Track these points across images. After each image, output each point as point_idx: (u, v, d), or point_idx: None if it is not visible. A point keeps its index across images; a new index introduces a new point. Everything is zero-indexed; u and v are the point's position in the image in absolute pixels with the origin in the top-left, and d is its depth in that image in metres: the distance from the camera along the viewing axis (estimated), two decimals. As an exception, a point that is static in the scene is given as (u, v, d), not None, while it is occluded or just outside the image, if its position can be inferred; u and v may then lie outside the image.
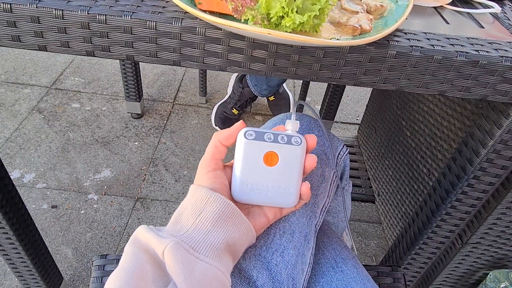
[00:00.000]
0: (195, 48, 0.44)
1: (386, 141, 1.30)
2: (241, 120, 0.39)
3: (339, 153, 0.52)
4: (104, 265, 0.55)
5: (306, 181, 0.39)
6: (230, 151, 0.41)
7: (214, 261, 0.32)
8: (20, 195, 0.73)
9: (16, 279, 0.90)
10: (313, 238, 0.44)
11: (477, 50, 0.45)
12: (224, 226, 0.35)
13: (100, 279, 0.54)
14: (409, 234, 0.74)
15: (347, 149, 0.54)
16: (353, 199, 1.38)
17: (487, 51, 0.45)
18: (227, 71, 0.46)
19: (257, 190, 0.38)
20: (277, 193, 0.38)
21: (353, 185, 1.40)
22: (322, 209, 0.46)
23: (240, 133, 0.38)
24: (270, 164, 0.38)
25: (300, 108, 1.66)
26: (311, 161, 0.38)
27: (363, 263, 1.17)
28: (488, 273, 0.88)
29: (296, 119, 0.52)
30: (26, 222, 0.75)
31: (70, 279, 1.04)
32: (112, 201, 1.24)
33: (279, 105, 1.63)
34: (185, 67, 0.46)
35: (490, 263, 0.87)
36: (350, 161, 1.49)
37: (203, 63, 0.45)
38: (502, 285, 0.85)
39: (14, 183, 1.24)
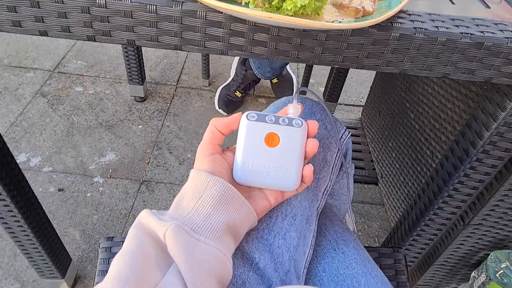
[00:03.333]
0: (196, 32, 0.43)
1: (390, 123, 1.29)
2: (240, 112, 0.39)
3: (341, 137, 0.52)
4: (110, 247, 0.57)
5: (310, 164, 0.39)
6: (229, 138, 0.41)
7: (215, 243, 0.33)
8: (27, 178, 0.74)
9: (26, 260, 0.93)
10: (315, 221, 0.45)
11: (482, 32, 0.44)
12: (224, 208, 0.35)
13: (107, 261, 0.55)
14: (411, 216, 0.75)
15: (349, 132, 0.54)
16: (356, 181, 1.38)
17: (492, 32, 0.44)
18: (228, 55, 0.46)
19: (259, 171, 0.38)
20: (278, 175, 0.38)
21: (357, 167, 1.40)
22: (324, 192, 0.47)
23: (243, 115, 0.39)
24: (271, 145, 0.38)
25: (304, 91, 1.65)
26: (313, 145, 0.38)
27: (365, 245, 1.18)
28: (489, 254, 0.89)
29: (298, 102, 0.52)
30: (33, 205, 0.77)
31: (78, 260, 1.06)
32: (117, 184, 1.26)
33: (282, 87, 1.62)
34: (186, 51, 0.46)
35: (492, 244, 0.88)
36: (354, 143, 1.49)
37: (204, 47, 0.45)
38: (502, 265, 0.86)
39: (21, 167, 1.26)
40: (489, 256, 0.89)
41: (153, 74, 1.71)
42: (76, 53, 1.77)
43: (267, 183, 0.39)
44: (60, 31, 0.44)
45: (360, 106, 1.70)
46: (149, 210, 0.35)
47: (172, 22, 0.42)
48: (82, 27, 0.43)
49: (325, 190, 0.47)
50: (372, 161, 1.43)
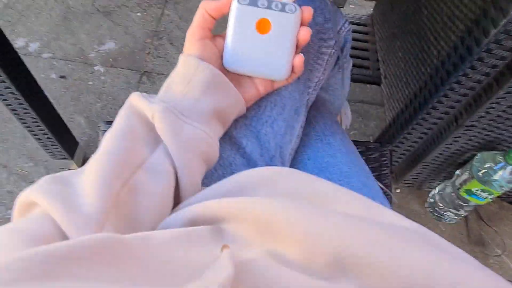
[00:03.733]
0: None
1: (401, 20, 1.22)
2: None
3: (340, 29, 0.50)
4: (110, 130, 0.59)
5: (301, 54, 0.38)
6: (220, 25, 0.40)
7: (202, 126, 0.35)
8: (27, 64, 0.74)
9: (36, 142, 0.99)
10: (304, 112, 0.46)
11: None
12: (212, 94, 0.36)
13: (108, 142, 0.59)
14: (405, 114, 0.76)
15: (349, 25, 0.51)
16: (358, 81, 1.37)
17: None
18: None
19: (248, 58, 0.37)
20: (268, 63, 0.38)
21: (361, 67, 1.37)
22: (316, 85, 0.47)
23: None
24: (262, 32, 0.37)
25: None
26: (305, 33, 0.36)
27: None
28: (475, 154, 0.93)
29: None
30: (34, 88, 0.78)
31: (85, 144, 1.12)
32: (118, 74, 1.25)
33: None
34: None
35: (481, 145, 0.90)
36: (361, 41, 1.43)
37: None
38: (486, 165, 0.90)
39: (20, 52, 1.24)
40: (476, 156, 0.93)
41: (150, -46, 1.56)
42: None
43: (256, 70, 0.38)
44: None
45: (373, 0, 1.59)
46: (139, 92, 0.36)
47: None
48: None
49: (317, 82, 0.47)
50: (377, 61, 1.40)
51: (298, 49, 0.38)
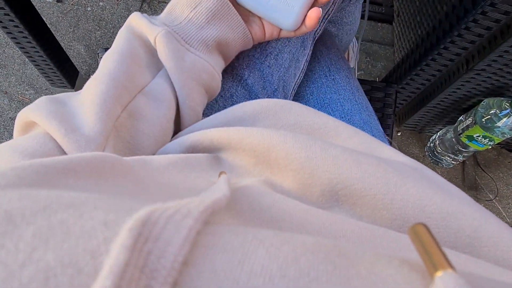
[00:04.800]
0: None
1: (422, -49, 1.12)
2: None
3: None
4: (109, 57, 0.58)
5: (319, 8, 0.35)
6: None
7: (204, 55, 0.33)
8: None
9: (36, 69, 0.97)
10: (310, 46, 0.44)
11: None
12: (218, 23, 0.34)
13: (107, 70, 0.57)
14: (415, 54, 0.73)
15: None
16: (370, 18, 1.30)
17: None
18: None
19: None
20: (280, 8, 0.35)
21: (374, 3, 1.30)
22: (324, 16, 0.44)
23: None
24: None
25: None
26: None
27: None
28: (482, 100, 0.91)
29: None
30: (31, 13, 0.75)
31: (85, 73, 1.10)
32: (118, 0, 1.19)
33: None
34: None
35: (489, 90, 0.89)
36: (377, -26, 1.34)
37: None
38: (491, 111, 0.89)
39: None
40: (482, 102, 0.91)
41: None
42: None
43: (267, 12, 0.36)
44: None
45: None
46: (140, 13, 0.34)
47: None
48: None
49: (326, 14, 0.44)
50: (392, -4, 1.32)
51: (317, 3, 0.35)
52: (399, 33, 1.24)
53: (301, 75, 0.45)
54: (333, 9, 0.45)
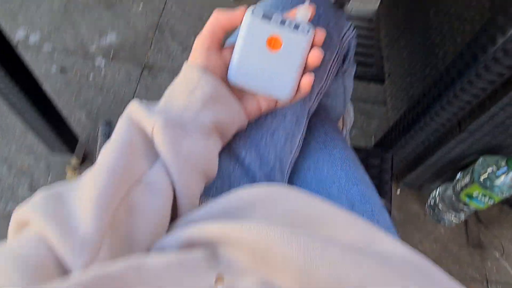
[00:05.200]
0: None
1: (407, 18, 1.20)
2: (246, 6, 0.36)
3: (344, 34, 0.48)
4: (109, 132, 0.59)
5: (312, 73, 0.37)
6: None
7: (202, 140, 0.34)
8: (28, 57, 0.73)
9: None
10: (305, 121, 0.45)
11: None
12: (214, 107, 0.35)
13: (106, 144, 0.58)
14: (408, 118, 0.75)
15: (354, 30, 0.50)
16: (362, 78, 1.35)
17: None
18: None
19: (254, 74, 0.36)
20: (273, 82, 0.36)
21: (365, 64, 1.36)
22: (318, 93, 0.46)
23: (248, 10, 0.36)
24: (272, 48, 0.36)
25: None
26: (316, 56, 0.35)
27: (361, 143, 1.22)
28: (478, 158, 0.92)
29: (311, 4, 0.47)
30: (33, 83, 0.77)
31: (85, 139, 1.12)
32: (119, 68, 1.24)
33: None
34: None
35: (484, 149, 0.90)
36: (366, 37, 1.41)
37: None
38: (489, 170, 0.89)
39: (20, 45, 1.24)
40: (478, 161, 0.92)
41: None
42: None
43: (261, 88, 0.37)
44: None
45: (379, -4, 1.56)
46: (139, 101, 0.35)
47: None
48: None
49: (319, 91, 0.46)
50: (382, 58, 1.38)
51: (307, 70, 0.37)
52: (391, 93, 1.29)
53: (297, 150, 0.45)
54: (326, 86, 0.47)
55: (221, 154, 0.40)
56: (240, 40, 0.36)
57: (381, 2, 1.45)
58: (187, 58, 0.38)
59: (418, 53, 1.09)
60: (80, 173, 1.07)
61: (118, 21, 1.33)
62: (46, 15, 1.31)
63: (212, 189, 0.39)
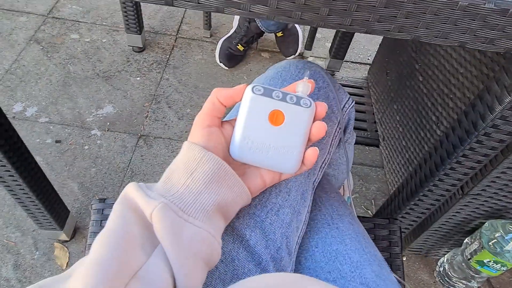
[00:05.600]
0: (188, -14, 0.39)
1: (396, 84, 1.24)
2: (245, 84, 0.36)
3: (343, 106, 0.49)
4: (103, 209, 0.56)
5: (315, 147, 0.36)
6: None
7: (204, 224, 0.31)
8: (23, 129, 0.72)
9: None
10: (310, 196, 0.43)
11: (509, -4, 0.39)
12: (216, 187, 0.33)
13: (99, 223, 0.55)
14: (410, 186, 0.73)
15: (353, 101, 0.51)
16: (357, 143, 1.36)
17: (520, -2, 0.39)
18: (225, 13, 0.42)
19: (258, 149, 0.36)
20: (278, 156, 0.36)
21: (359, 128, 1.38)
22: (321, 166, 0.45)
23: (248, 87, 0.36)
24: (274, 123, 0.35)
25: (309, 44, 1.58)
26: (319, 128, 0.35)
27: (362, 207, 1.19)
28: (484, 222, 0.89)
29: (298, 67, 0.48)
30: (23, 155, 0.75)
31: (77, 212, 1.07)
32: (115, 138, 1.24)
33: (287, 42, 1.55)
34: (178, 7, 0.42)
35: (488, 213, 0.87)
36: (358, 103, 1.45)
37: (198, 3, 0.41)
38: (497, 234, 0.86)
39: (17, 117, 1.24)
40: (484, 225, 0.89)
41: (152, 22, 1.63)
42: (71, -4, 1.68)
43: (265, 163, 0.36)
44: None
45: (367, 64, 1.64)
46: (136, 183, 0.33)
47: (162, -26, 0.38)
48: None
49: (323, 163, 0.45)
50: (375, 122, 1.41)
51: (310, 142, 0.36)
52: (387, 156, 1.29)
53: (303, 227, 0.43)
54: (329, 159, 0.46)
55: (224, 235, 0.37)
56: (242, 116, 0.36)
57: (370, 69, 1.51)
58: (183, 127, 0.37)
59: (412, 116, 1.11)
60: (68, 250, 1.01)
61: (116, 93, 1.36)
62: (44, 89, 1.33)
63: (215, 275, 0.36)
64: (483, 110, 0.54)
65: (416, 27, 0.41)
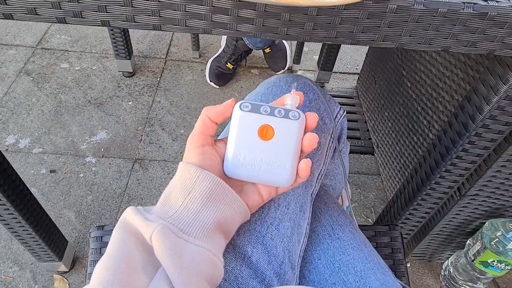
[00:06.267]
0: (175, 10, 0.40)
1: (386, 91, 1.26)
2: (233, 98, 0.36)
3: (335, 117, 0.49)
4: (101, 236, 0.55)
5: (308, 158, 0.36)
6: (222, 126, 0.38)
7: (204, 243, 0.31)
8: (17, 161, 0.71)
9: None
10: (309, 208, 0.43)
11: (486, 0, 0.40)
12: (214, 205, 0.33)
13: (99, 250, 0.54)
14: (407, 191, 0.74)
15: (344, 111, 0.51)
16: (352, 151, 1.37)
17: (497, 1, 0.41)
18: (212, 34, 0.43)
19: (251, 165, 0.36)
20: (271, 170, 0.36)
21: (352, 137, 1.39)
22: (318, 177, 0.45)
23: (236, 105, 0.36)
24: (265, 138, 0.35)
25: (297, 58, 1.60)
26: (311, 140, 0.35)
27: (362, 215, 1.19)
28: (485, 222, 0.90)
29: (288, 81, 0.49)
30: (19, 188, 0.74)
31: (75, 241, 1.06)
32: (110, 163, 1.24)
33: (275, 57, 1.57)
34: (166, 31, 0.43)
35: (487, 213, 0.88)
36: (349, 112, 1.46)
37: (185, 26, 0.41)
38: (498, 233, 0.86)
39: (10, 149, 1.23)
40: (485, 225, 0.89)
41: (140, 47, 1.65)
42: (59, 27, 1.69)
43: (260, 178, 0.36)
44: (26, 14, 0.40)
45: (356, 74, 1.66)
46: (134, 207, 0.33)
47: (148, 0, 0.39)
48: (50, 8, 0.39)
49: (319, 174, 0.45)
50: (368, 130, 1.42)
51: (303, 154, 0.36)
52: (383, 163, 1.30)
53: (304, 239, 0.43)
54: (325, 169, 0.46)
55: (225, 253, 0.37)
56: (232, 134, 0.36)
57: (359, 79, 1.53)
58: (178, 148, 0.37)
59: (403, 122, 1.13)
60: (68, 281, 0.99)
61: (108, 119, 1.36)
62: (36, 120, 1.33)
63: (219, 295, 0.35)
64: (472, 111, 0.55)
65: (400, 35, 0.42)
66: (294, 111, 0.36)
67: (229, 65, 1.50)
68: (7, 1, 0.38)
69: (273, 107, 0.36)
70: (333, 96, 1.54)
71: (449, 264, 1.04)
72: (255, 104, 0.36)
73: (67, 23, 0.41)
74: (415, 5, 0.39)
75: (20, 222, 0.78)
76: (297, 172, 0.36)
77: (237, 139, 0.36)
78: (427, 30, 0.42)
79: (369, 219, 1.19)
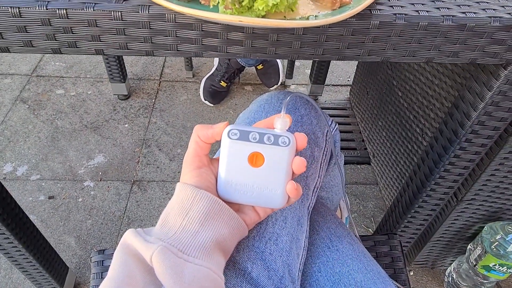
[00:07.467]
0: (167, 36, 0.41)
1: (378, 102, 1.28)
2: (226, 122, 0.37)
3: (328, 130, 0.50)
4: (102, 260, 0.56)
5: (293, 181, 0.36)
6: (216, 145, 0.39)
7: (204, 261, 0.32)
8: (15, 188, 0.71)
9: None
10: (307, 221, 0.44)
11: (464, 12, 0.42)
12: (212, 224, 0.34)
13: (100, 275, 0.54)
14: (404, 199, 0.74)
15: (336, 124, 0.52)
16: (348, 162, 1.38)
17: (474, 12, 0.42)
18: (204, 57, 0.44)
19: (242, 190, 0.36)
20: (263, 195, 0.36)
21: (348, 148, 1.40)
22: (314, 190, 0.46)
23: (224, 132, 0.36)
24: (255, 165, 0.36)
25: (290, 73, 1.63)
26: (299, 165, 0.35)
27: (361, 226, 1.19)
28: (483, 226, 0.90)
29: (280, 98, 0.50)
30: (18, 216, 0.75)
31: (76, 267, 1.05)
32: (108, 187, 1.24)
33: (268, 73, 1.59)
34: (158, 56, 0.44)
35: (485, 216, 0.88)
36: (344, 124, 1.48)
37: (177, 50, 0.43)
38: (497, 237, 0.87)
39: (8, 177, 1.23)
40: (484, 229, 0.90)
41: (134, 70, 1.67)
42: (53, 54, 1.71)
43: (252, 201, 0.37)
44: (23, 46, 0.41)
45: (348, 85, 1.69)
46: (134, 230, 0.34)
47: (140, 28, 0.40)
48: (45, 40, 0.41)
49: (315, 187, 0.46)
50: (363, 140, 1.43)
51: (294, 175, 0.37)
52: (380, 172, 1.31)
53: (304, 253, 0.43)
54: (320, 182, 0.47)
55: (226, 270, 0.37)
56: (223, 161, 0.37)
57: (351, 90, 1.56)
58: (175, 167, 0.38)
59: (397, 130, 1.14)
60: (71, 307, 0.98)
61: (105, 142, 1.37)
62: (33, 147, 1.33)
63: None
64: (460, 118, 0.56)
65: (384, 49, 0.44)
66: (284, 137, 0.36)
67: (223, 83, 1.52)
68: (3, 35, 0.40)
69: (262, 133, 0.36)
70: (327, 108, 1.56)
71: (452, 270, 1.04)
72: (244, 130, 0.36)
73: (62, 53, 0.43)
74: (397, 20, 0.41)
75: (20, 251, 0.77)
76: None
77: (228, 166, 0.36)
78: (410, 43, 0.43)
79: (369, 229, 1.20)
